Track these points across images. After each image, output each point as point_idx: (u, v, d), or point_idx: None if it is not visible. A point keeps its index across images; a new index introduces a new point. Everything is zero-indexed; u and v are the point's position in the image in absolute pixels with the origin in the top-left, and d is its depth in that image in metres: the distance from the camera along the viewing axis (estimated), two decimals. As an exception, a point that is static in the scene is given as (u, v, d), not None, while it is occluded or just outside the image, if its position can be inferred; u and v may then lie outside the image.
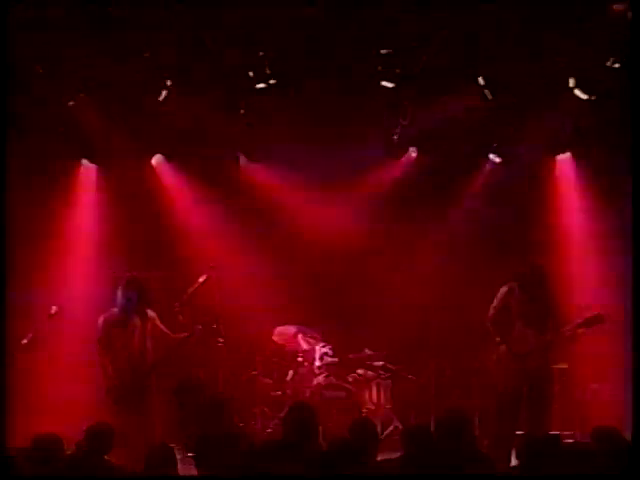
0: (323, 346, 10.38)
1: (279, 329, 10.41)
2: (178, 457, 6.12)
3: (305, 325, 10.43)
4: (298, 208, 10.48)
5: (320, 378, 10.22)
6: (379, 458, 6.21)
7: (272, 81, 9.12)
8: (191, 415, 7.49)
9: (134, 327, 8.17)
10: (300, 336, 10.35)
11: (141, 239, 10.50)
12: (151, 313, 8.30)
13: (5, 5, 7.57)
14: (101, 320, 8.19)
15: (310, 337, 10.40)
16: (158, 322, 8.30)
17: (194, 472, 6.03)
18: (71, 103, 9.24)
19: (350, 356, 10.48)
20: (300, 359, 10.38)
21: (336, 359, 10.35)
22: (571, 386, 9.80)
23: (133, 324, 8.17)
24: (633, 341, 7.70)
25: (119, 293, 8.19)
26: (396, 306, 10.56)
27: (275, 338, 10.40)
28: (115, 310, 8.20)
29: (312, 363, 10.34)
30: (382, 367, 10.38)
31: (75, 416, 8.96)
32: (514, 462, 6.41)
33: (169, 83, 9.15)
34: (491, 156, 10.32)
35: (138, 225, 10.47)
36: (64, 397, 9.69)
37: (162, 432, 8.22)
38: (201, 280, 9.71)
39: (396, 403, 10.42)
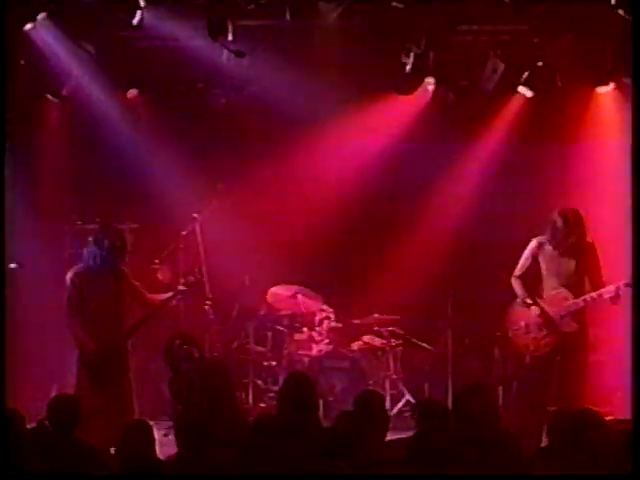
0: (325, 309, 10.37)
1: (274, 290, 10.40)
2: (157, 436, 6.11)
3: (304, 285, 10.40)
4: (296, 149, 10.38)
5: (321, 346, 10.26)
6: (388, 437, 6.19)
7: (263, 0, 8.96)
8: (185, 381, 7.50)
9: (108, 285, 8.14)
10: (298, 298, 10.34)
11: (113, 185, 10.44)
12: (125, 270, 8.22)
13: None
14: (70, 275, 8.14)
15: (310, 299, 10.39)
16: (133, 281, 8.22)
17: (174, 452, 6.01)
18: (29, 27, 9.06)
19: (355, 321, 10.51)
20: (298, 324, 10.38)
21: (339, 324, 10.38)
22: (610, 355, 9.76)
23: (106, 282, 8.14)
24: (633, 338, 7.68)
25: (91, 244, 8.10)
26: (409, 265, 10.53)
27: (269, 300, 10.39)
28: (87, 264, 8.12)
29: (312, 329, 10.36)
30: (392, 333, 10.39)
31: (40, 388, 8.95)
32: (545, 442, 6.37)
33: (142, 3, 8.97)
34: (521, 89, 10.16)
35: (109, 169, 10.38)
36: (27, 367, 9.64)
37: (139, 406, 8.20)
38: (183, 233, 9.66)
39: (408, 374, 10.46)
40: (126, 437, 5.96)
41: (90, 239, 8.16)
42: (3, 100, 8.52)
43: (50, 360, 9.48)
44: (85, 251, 8.19)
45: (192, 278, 8.68)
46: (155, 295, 8.39)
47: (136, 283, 8.26)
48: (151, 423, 6.24)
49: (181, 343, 7.81)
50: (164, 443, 6.97)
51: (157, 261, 9.40)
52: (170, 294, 8.42)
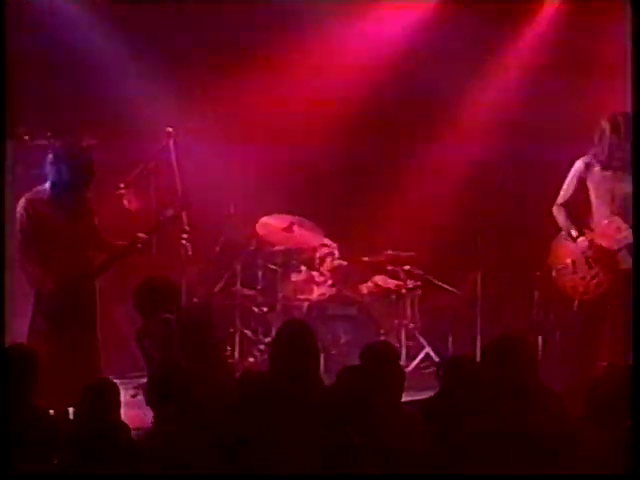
0: (327, 244, 10.38)
1: (265, 220, 10.42)
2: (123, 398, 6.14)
3: (302, 215, 10.45)
4: (294, 47, 10.29)
5: (322, 288, 10.30)
6: (404, 398, 6.20)
7: None
8: (161, 330, 7.54)
9: (69, 215, 8.09)
10: (295, 230, 10.35)
11: (68, 91, 10.35)
12: (88, 199, 8.21)
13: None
14: (23, 203, 8.09)
15: (309, 232, 10.43)
16: (94, 216, 8.22)
17: (143, 416, 6.02)
18: None
19: (364, 258, 10.53)
20: (295, 262, 10.40)
21: (345, 262, 10.41)
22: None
23: (68, 211, 8.09)
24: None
25: (50, 164, 8.05)
26: (429, 191, 10.55)
27: (260, 232, 10.40)
28: (43, 189, 8.09)
29: (311, 268, 10.39)
30: (409, 274, 10.43)
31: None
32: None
33: None
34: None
35: (63, 71, 10.29)
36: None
37: (104, 361, 8.22)
38: (155, 151, 9.59)
39: (428, 322, 10.52)
40: (86, 399, 5.97)
41: (49, 157, 8.08)
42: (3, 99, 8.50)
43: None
44: (44, 172, 8.11)
45: (171, 211, 8.61)
46: (116, 243, 8.28)
47: (95, 222, 8.19)
48: (117, 382, 6.26)
49: (156, 287, 7.78)
50: (132, 405, 7.00)
51: (122, 185, 9.34)
52: (140, 238, 8.26)
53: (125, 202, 9.32)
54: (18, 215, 8.04)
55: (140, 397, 6.58)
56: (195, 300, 9.98)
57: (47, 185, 8.06)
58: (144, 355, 7.60)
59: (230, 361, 9.94)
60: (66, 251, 8.05)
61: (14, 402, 5.98)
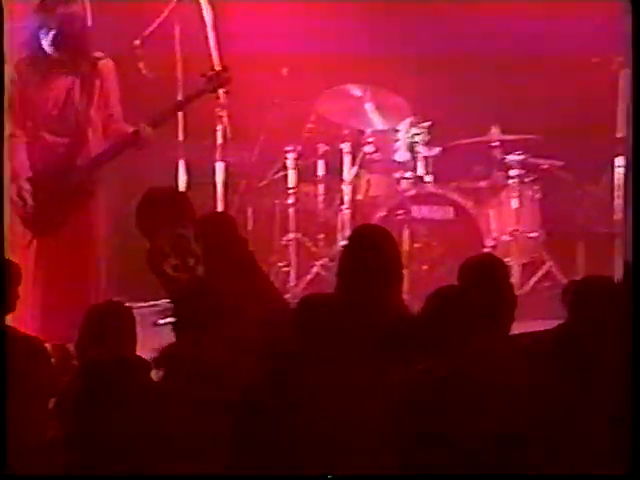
0: (413, 123, 10.39)
1: (331, 92, 10.56)
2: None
3: (382, 85, 10.55)
4: None
5: (408, 183, 10.24)
6: (516, 330, 6.23)
7: None
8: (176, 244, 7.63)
9: (65, 83, 8.21)
10: (368, 106, 10.41)
11: None
12: (104, 62, 8.30)
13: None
14: (15, 64, 8.22)
15: (391, 107, 10.53)
16: (114, 89, 8.23)
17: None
18: None
19: (463, 142, 10.55)
20: (369, 148, 10.42)
21: (437, 148, 10.35)
22: None
23: (63, 78, 8.20)
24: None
25: (35, 18, 8.20)
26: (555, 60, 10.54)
27: (321, 109, 10.50)
28: (32, 48, 8.24)
29: (392, 155, 10.38)
30: (523, 163, 10.39)
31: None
32: None
33: None
34: None
35: None
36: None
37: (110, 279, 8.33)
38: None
39: (551, 230, 10.54)
40: (88, 328, 6.07)
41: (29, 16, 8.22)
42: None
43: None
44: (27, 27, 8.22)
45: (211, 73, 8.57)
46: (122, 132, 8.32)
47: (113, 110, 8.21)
48: (133, 306, 6.35)
49: (161, 199, 7.82)
50: (152, 334, 7.07)
51: (138, 42, 9.38)
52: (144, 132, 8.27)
53: (141, 66, 9.36)
54: (8, 79, 8.09)
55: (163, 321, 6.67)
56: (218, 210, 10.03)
57: (34, 41, 8.14)
58: (162, 281, 7.69)
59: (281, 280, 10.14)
60: (61, 128, 8.12)
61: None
